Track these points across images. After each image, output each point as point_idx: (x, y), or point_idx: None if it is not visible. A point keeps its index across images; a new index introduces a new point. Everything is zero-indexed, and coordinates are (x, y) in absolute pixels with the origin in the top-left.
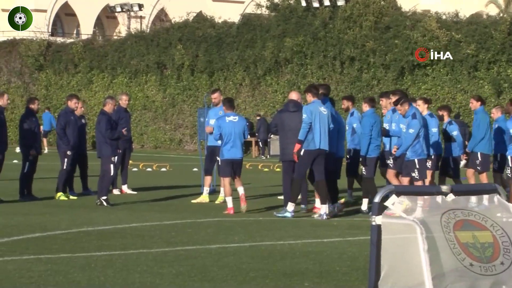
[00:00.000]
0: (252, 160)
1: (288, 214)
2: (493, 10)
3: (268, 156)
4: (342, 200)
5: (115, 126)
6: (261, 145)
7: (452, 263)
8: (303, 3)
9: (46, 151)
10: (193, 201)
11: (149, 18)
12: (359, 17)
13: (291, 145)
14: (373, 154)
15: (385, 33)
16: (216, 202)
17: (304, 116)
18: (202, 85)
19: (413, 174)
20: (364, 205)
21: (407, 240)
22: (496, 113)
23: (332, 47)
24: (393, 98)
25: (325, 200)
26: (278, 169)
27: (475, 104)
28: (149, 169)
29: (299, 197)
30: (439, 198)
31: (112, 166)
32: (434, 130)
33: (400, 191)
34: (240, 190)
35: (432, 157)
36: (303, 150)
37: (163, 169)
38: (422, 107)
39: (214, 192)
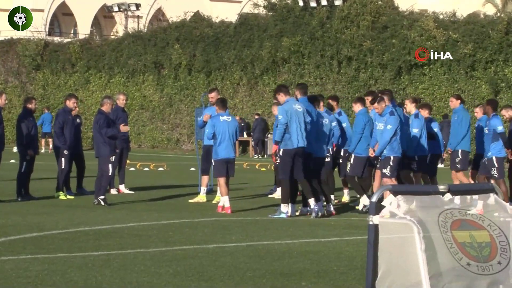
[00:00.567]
0: (250, 160)
1: (283, 215)
2: (490, 10)
3: (266, 155)
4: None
5: (113, 125)
6: (253, 145)
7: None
8: (301, 3)
9: (43, 150)
10: (190, 200)
11: (146, 18)
12: (357, 16)
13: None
14: (364, 154)
15: (383, 33)
16: (213, 201)
17: (279, 117)
18: (200, 85)
19: (385, 171)
20: (360, 205)
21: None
22: (480, 112)
23: (330, 47)
24: (368, 99)
25: (287, 199)
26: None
27: (454, 103)
28: (146, 169)
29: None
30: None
31: (110, 166)
32: (415, 131)
33: (397, 191)
34: (225, 201)
35: (416, 158)
36: (281, 150)
37: (161, 169)
38: (409, 107)
39: (211, 191)
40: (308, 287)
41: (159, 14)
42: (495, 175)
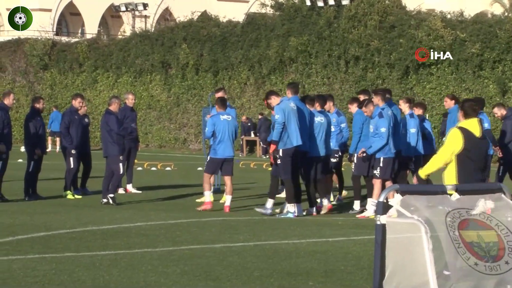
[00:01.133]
0: (257, 160)
1: (290, 215)
2: (498, 9)
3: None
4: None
5: (121, 124)
6: (261, 144)
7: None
8: (308, 3)
9: (49, 149)
10: (197, 200)
11: (153, 18)
12: (364, 16)
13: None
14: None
15: (390, 32)
16: (221, 201)
17: (277, 116)
18: (207, 85)
19: (375, 172)
20: (356, 206)
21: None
22: (498, 112)
23: (337, 46)
24: (361, 97)
25: (273, 195)
26: None
27: (449, 103)
28: (153, 168)
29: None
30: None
31: (120, 165)
32: (412, 130)
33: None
34: (227, 200)
35: (413, 158)
36: (281, 151)
37: (168, 168)
38: (403, 107)
39: (218, 191)
40: (315, 287)
41: (166, 14)
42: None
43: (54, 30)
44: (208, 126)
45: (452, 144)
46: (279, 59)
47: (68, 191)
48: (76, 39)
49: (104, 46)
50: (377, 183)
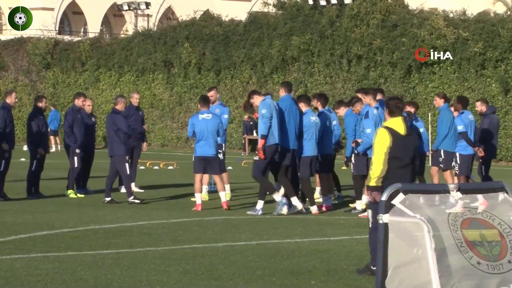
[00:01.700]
0: None
1: (259, 212)
2: (500, 8)
3: None
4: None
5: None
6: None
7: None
8: (310, 1)
9: (53, 149)
10: (192, 199)
11: (156, 17)
12: (366, 15)
13: (306, 143)
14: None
15: (392, 31)
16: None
17: (263, 111)
18: (209, 83)
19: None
20: (358, 205)
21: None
22: (479, 107)
23: (339, 45)
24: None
25: (263, 196)
26: None
27: (438, 102)
28: (156, 167)
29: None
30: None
31: (126, 165)
32: None
33: (406, 190)
34: (222, 197)
35: None
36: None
37: (170, 167)
38: None
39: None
40: (317, 286)
41: (168, 13)
42: (456, 171)
43: (57, 29)
44: (188, 127)
45: (381, 144)
46: (282, 58)
47: (71, 190)
48: (79, 38)
49: (106, 45)
50: None
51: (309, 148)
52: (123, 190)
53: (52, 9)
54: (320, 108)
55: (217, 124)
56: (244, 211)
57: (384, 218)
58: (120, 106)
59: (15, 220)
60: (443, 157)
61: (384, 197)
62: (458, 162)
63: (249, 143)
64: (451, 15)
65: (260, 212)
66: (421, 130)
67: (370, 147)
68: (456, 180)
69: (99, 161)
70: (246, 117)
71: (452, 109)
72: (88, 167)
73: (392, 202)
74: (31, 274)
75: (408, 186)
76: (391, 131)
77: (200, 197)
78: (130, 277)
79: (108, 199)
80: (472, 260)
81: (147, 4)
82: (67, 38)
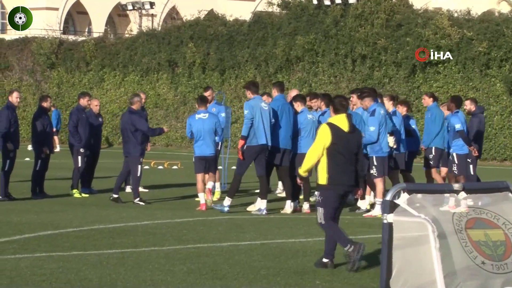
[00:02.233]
0: None
1: (225, 209)
2: (505, 8)
3: None
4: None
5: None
6: None
7: (464, 261)
8: (315, 1)
9: (58, 149)
10: (196, 199)
11: (160, 16)
12: (371, 14)
13: (303, 140)
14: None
15: (397, 31)
16: (214, 198)
17: (245, 112)
18: (214, 83)
19: (372, 172)
20: (362, 205)
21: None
22: (468, 105)
23: (344, 45)
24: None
25: (265, 195)
26: None
27: (427, 100)
28: (160, 167)
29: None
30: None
31: (139, 166)
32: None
33: (411, 189)
34: (209, 184)
35: (393, 155)
36: (245, 146)
37: (175, 167)
38: (387, 104)
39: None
40: (322, 286)
41: (173, 13)
42: (455, 171)
43: (61, 29)
44: (186, 127)
45: (321, 139)
46: (286, 58)
47: (75, 190)
48: (83, 38)
49: (111, 45)
50: (378, 182)
51: (306, 145)
52: (128, 190)
53: (57, 9)
54: (323, 108)
55: (214, 123)
56: (244, 207)
57: (388, 218)
58: (136, 106)
59: (20, 220)
60: (433, 154)
61: (388, 197)
62: (456, 162)
63: None
64: (455, 14)
65: (265, 212)
66: (413, 127)
67: (372, 143)
68: (439, 178)
69: (103, 161)
70: None
71: (445, 108)
72: (92, 167)
73: (397, 202)
74: (35, 274)
75: (412, 186)
76: (334, 128)
77: (203, 196)
78: (134, 277)
79: (115, 195)
80: (476, 260)
81: (152, 4)
82: (71, 38)
